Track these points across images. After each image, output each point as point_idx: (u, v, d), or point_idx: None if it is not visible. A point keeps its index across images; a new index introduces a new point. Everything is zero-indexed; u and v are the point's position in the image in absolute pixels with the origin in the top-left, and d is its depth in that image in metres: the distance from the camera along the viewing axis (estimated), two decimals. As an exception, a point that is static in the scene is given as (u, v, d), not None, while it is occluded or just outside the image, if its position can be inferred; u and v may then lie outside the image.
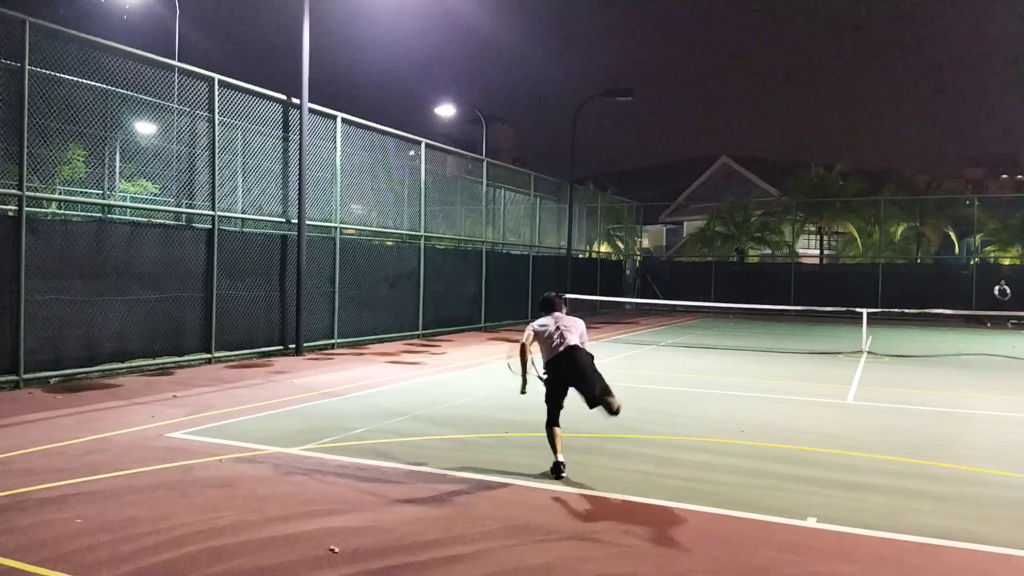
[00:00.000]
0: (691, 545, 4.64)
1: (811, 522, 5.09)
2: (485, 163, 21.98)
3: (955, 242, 36.30)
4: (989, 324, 25.93)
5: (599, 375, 6.25)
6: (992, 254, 33.17)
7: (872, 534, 4.88)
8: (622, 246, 37.10)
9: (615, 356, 15.09)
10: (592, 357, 6.41)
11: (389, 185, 17.75)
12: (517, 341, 6.53)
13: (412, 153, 18.47)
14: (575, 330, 6.48)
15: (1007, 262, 31.99)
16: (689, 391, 10.82)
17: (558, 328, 6.43)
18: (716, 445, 7.39)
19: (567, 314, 6.67)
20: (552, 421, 6.38)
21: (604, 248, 35.34)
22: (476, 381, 11.42)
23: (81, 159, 12.02)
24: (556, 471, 6.12)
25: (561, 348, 6.33)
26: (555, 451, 6.24)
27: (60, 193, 12.67)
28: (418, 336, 18.00)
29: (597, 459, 6.69)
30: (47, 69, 10.13)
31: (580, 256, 29.95)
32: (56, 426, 7.57)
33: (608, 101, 25.65)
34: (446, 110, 35.29)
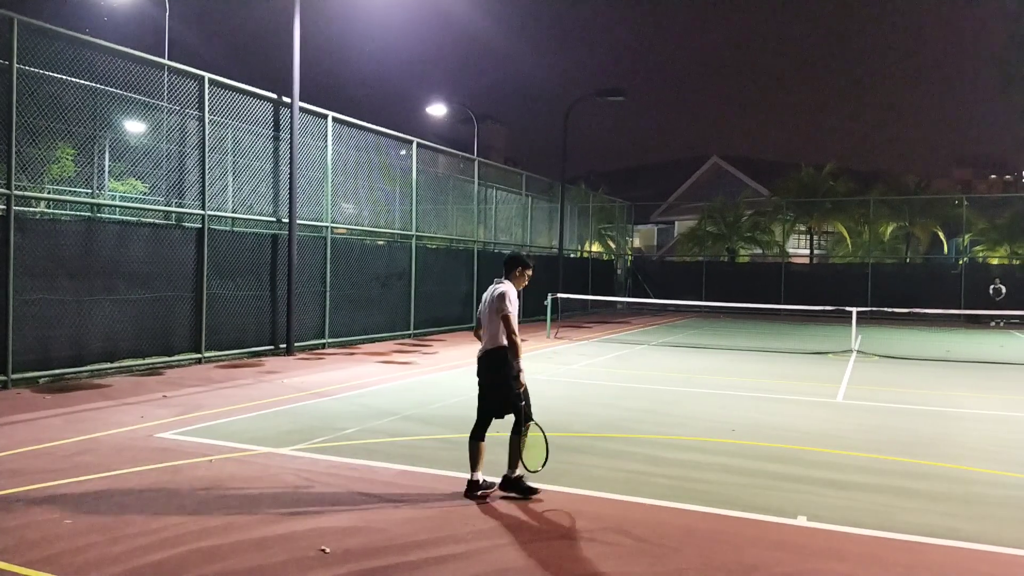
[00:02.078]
0: (682, 544, 4.66)
1: (801, 520, 5.11)
2: (477, 162, 21.96)
3: (944, 242, 36.52)
4: (992, 324, 26.08)
5: (503, 392, 5.45)
6: (980, 254, 33.41)
7: (861, 532, 4.91)
8: (613, 245, 37.15)
9: (606, 355, 15.11)
10: (503, 351, 5.45)
11: (381, 184, 17.71)
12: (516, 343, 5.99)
13: (403, 152, 18.44)
14: (491, 313, 5.56)
15: (995, 262, 32.21)
16: (680, 390, 10.84)
17: (483, 313, 5.68)
18: (707, 444, 7.41)
19: (518, 287, 5.74)
20: (473, 431, 5.55)
21: (595, 247, 35.39)
22: (467, 381, 11.40)
23: (70, 158, 11.94)
24: (470, 490, 5.31)
25: (480, 351, 5.69)
26: (472, 467, 5.36)
27: (49, 192, 12.58)
28: (409, 336, 17.98)
29: (588, 458, 6.70)
30: (35, 67, 10.06)
31: (571, 255, 29.97)
32: (45, 426, 7.52)
33: (599, 101, 25.71)
34: (437, 109, 35.14)
